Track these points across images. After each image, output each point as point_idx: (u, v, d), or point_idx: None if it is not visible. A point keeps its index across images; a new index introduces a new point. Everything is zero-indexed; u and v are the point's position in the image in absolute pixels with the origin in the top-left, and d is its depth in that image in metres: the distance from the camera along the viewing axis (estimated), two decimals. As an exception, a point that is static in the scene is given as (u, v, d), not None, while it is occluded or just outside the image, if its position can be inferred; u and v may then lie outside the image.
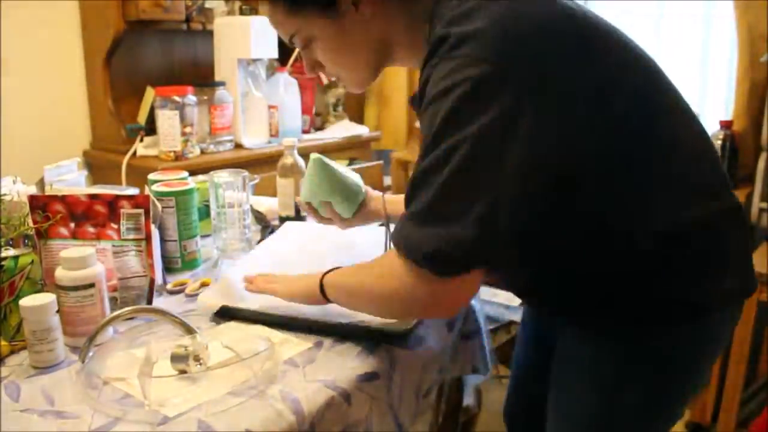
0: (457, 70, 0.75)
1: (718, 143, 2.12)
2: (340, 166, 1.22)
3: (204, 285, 1.17)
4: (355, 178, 1.22)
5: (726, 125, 2.16)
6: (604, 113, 0.80)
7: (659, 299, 0.86)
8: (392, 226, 0.87)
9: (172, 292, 1.17)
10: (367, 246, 1.25)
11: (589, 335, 0.92)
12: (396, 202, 1.19)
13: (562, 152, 0.79)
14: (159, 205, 1.21)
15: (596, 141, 0.80)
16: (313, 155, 1.20)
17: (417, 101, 0.86)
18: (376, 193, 1.23)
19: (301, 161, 1.54)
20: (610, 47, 0.84)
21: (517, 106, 0.74)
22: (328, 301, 0.96)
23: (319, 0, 0.89)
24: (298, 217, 1.54)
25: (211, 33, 2.40)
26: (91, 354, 0.90)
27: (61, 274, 0.94)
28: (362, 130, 2.80)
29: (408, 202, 0.80)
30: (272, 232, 1.48)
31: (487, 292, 1.87)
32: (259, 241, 1.41)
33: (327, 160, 1.19)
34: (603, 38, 0.84)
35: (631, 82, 0.84)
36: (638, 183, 0.83)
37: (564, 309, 0.94)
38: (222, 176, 1.37)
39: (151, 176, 1.36)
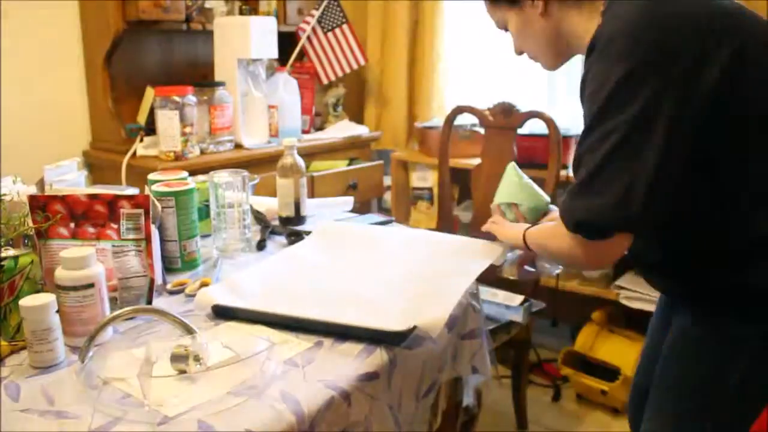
0: (605, 70, 0.92)
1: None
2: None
3: (204, 285, 1.17)
4: (543, 192, 1.39)
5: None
6: (729, 109, 0.92)
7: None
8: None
9: (172, 292, 1.17)
10: (391, 252, 1.29)
11: (703, 314, 1.04)
12: None
13: (697, 140, 0.91)
14: (159, 205, 1.21)
15: (727, 131, 0.92)
16: (512, 163, 1.41)
17: (580, 92, 1.01)
18: (556, 211, 1.34)
19: (300, 161, 1.54)
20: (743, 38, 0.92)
21: (653, 100, 0.89)
22: (528, 247, 1.21)
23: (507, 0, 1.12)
24: (297, 217, 1.54)
25: (211, 33, 2.40)
26: (91, 354, 0.90)
27: (61, 274, 0.94)
28: (362, 130, 2.80)
29: (574, 177, 0.99)
30: (272, 232, 1.49)
31: (486, 292, 1.88)
32: (259, 241, 1.41)
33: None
34: (733, 30, 0.92)
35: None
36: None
37: (683, 289, 1.07)
38: (222, 176, 1.37)
39: (151, 176, 1.36)
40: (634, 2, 0.94)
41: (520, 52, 1.20)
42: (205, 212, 1.41)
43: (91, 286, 0.94)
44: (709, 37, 0.90)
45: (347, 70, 2.72)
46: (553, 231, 1.09)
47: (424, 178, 2.84)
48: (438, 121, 2.66)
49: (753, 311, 0.99)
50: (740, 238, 0.97)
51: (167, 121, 2.14)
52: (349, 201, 1.70)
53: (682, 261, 1.04)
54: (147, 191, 1.24)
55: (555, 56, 1.14)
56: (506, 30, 1.18)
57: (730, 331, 1.01)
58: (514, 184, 1.36)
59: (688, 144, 0.91)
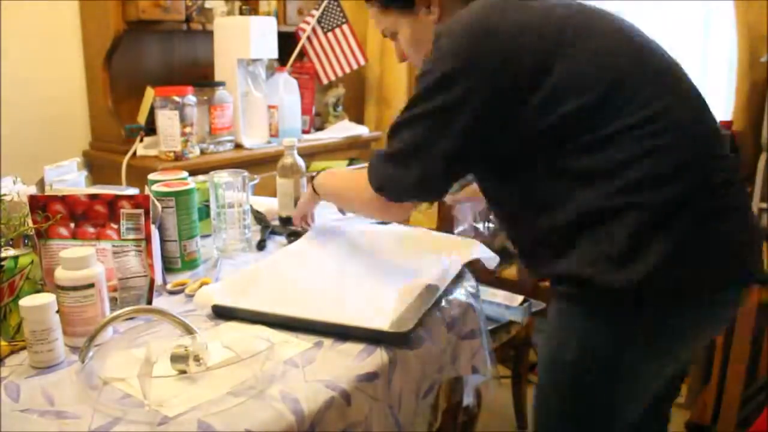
0: (433, 59, 1.00)
1: (718, 143, 2.13)
2: None
3: (204, 285, 1.17)
4: None
5: (726, 125, 2.16)
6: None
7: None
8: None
9: (172, 292, 1.17)
10: (383, 251, 1.30)
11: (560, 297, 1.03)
12: None
13: (486, 149, 1.01)
14: (159, 205, 1.21)
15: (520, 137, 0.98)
16: None
17: None
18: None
19: (300, 161, 1.54)
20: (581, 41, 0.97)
21: (460, 101, 0.97)
22: (318, 196, 1.34)
23: (400, 3, 1.12)
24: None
25: (211, 33, 2.40)
26: (91, 354, 0.90)
27: (61, 274, 0.94)
28: (362, 130, 2.80)
29: (388, 141, 1.07)
30: (272, 232, 1.49)
31: (486, 292, 1.88)
32: (259, 241, 1.41)
33: None
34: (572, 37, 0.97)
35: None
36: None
37: (538, 270, 1.08)
38: (222, 176, 1.37)
39: (151, 176, 1.36)
40: (475, 7, 1.00)
41: (403, 59, 1.22)
42: (205, 212, 1.41)
43: (91, 286, 0.94)
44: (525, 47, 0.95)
45: (347, 70, 2.72)
46: (351, 182, 1.22)
47: (424, 178, 2.84)
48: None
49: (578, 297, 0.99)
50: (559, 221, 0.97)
51: (167, 121, 2.14)
52: (349, 201, 1.70)
53: (527, 244, 1.08)
54: (147, 191, 1.24)
55: None
56: (393, 38, 1.18)
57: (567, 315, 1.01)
58: None
59: (488, 137, 0.99)
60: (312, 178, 1.32)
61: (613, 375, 0.99)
